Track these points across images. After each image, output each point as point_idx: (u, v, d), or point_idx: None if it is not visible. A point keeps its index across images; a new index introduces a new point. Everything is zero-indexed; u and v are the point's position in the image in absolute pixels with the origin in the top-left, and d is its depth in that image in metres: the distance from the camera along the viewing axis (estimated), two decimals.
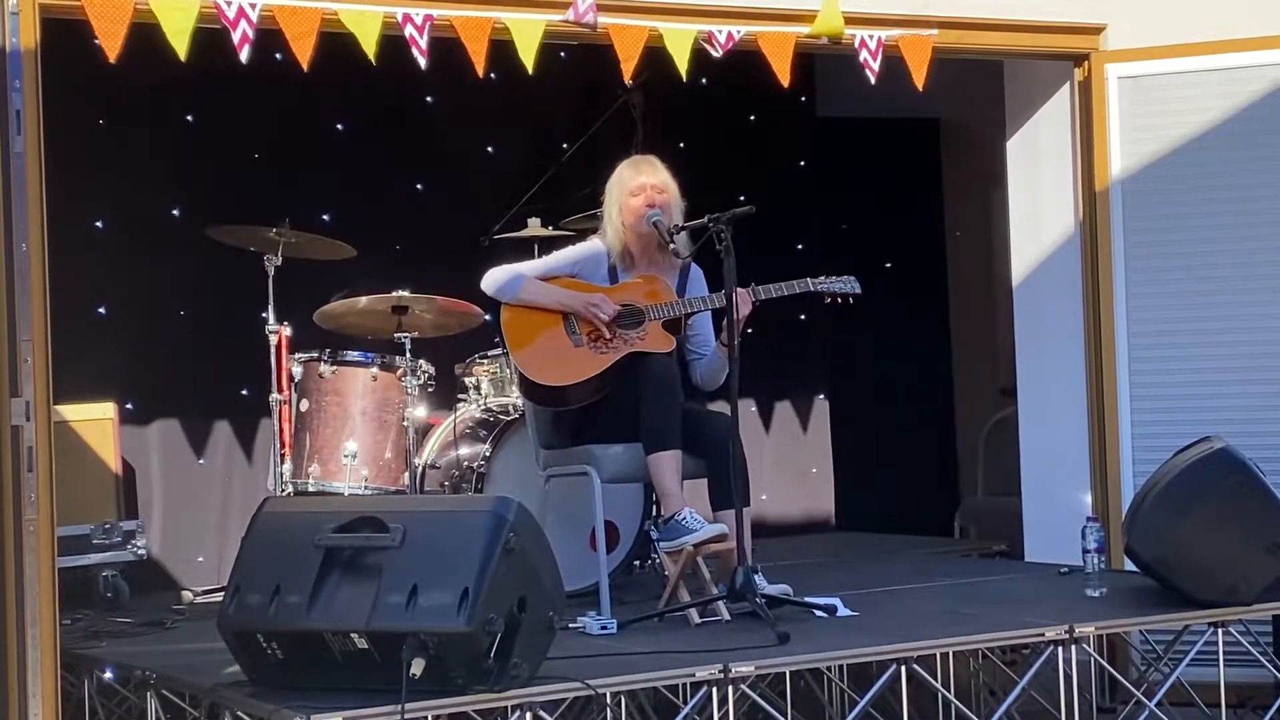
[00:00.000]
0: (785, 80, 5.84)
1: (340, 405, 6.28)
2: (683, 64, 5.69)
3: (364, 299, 6.35)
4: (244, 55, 5.14)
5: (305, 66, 5.20)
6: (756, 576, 5.07)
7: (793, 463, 8.45)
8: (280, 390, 6.35)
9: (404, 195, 7.58)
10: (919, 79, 5.98)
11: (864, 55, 5.92)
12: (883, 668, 4.68)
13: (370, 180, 7.37)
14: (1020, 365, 6.73)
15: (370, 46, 5.28)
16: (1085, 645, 4.92)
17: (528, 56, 5.48)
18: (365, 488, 6.22)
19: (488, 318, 6.32)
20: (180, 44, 5.05)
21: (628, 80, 5.78)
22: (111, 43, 4.97)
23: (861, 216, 8.67)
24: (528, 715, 4.12)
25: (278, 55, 5.38)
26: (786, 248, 8.30)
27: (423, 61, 5.37)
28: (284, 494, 6.21)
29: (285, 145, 7.24)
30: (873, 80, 5.94)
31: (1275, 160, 6.10)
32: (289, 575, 4.15)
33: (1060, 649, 4.85)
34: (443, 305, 6.38)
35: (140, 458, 7.04)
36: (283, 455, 6.30)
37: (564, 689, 4.21)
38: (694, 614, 5.15)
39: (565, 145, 7.60)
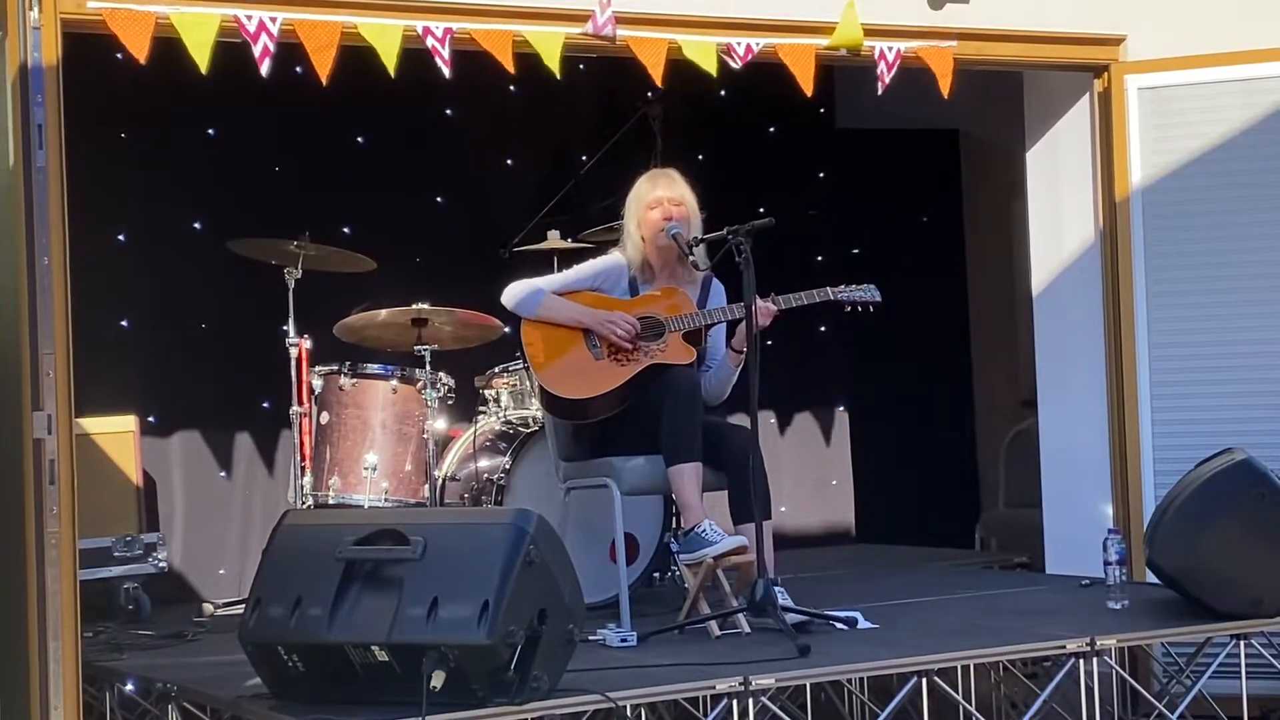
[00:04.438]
0: (809, 90, 5.84)
1: (360, 418, 6.29)
2: (710, 69, 5.69)
3: (384, 312, 6.36)
4: (265, 69, 5.15)
5: (324, 80, 5.22)
6: (779, 591, 5.07)
7: (812, 474, 8.45)
8: (301, 403, 6.36)
9: (423, 208, 7.60)
10: (944, 86, 5.97)
11: (880, 67, 5.91)
12: (904, 680, 4.68)
13: (390, 193, 7.39)
14: (1041, 376, 6.72)
15: (391, 60, 5.29)
16: (1107, 658, 4.90)
17: (552, 62, 5.48)
18: (385, 500, 6.23)
19: (507, 330, 6.32)
20: (201, 57, 5.06)
21: (660, 86, 5.78)
22: (139, 50, 4.99)
23: (881, 228, 8.65)
24: None
25: (298, 69, 5.40)
26: (806, 259, 8.30)
27: (447, 72, 5.37)
28: (304, 506, 6.22)
29: (305, 159, 7.27)
30: (880, 92, 5.94)
31: None
32: (310, 588, 4.15)
33: (1081, 661, 4.84)
34: (462, 318, 6.38)
35: (161, 470, 7.06)
36: (303, 468, 6.32)
37: (584, 701, 4.20)
38: (714, 626, 5.15)
39: (584, 158, 7.62)
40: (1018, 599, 5.97)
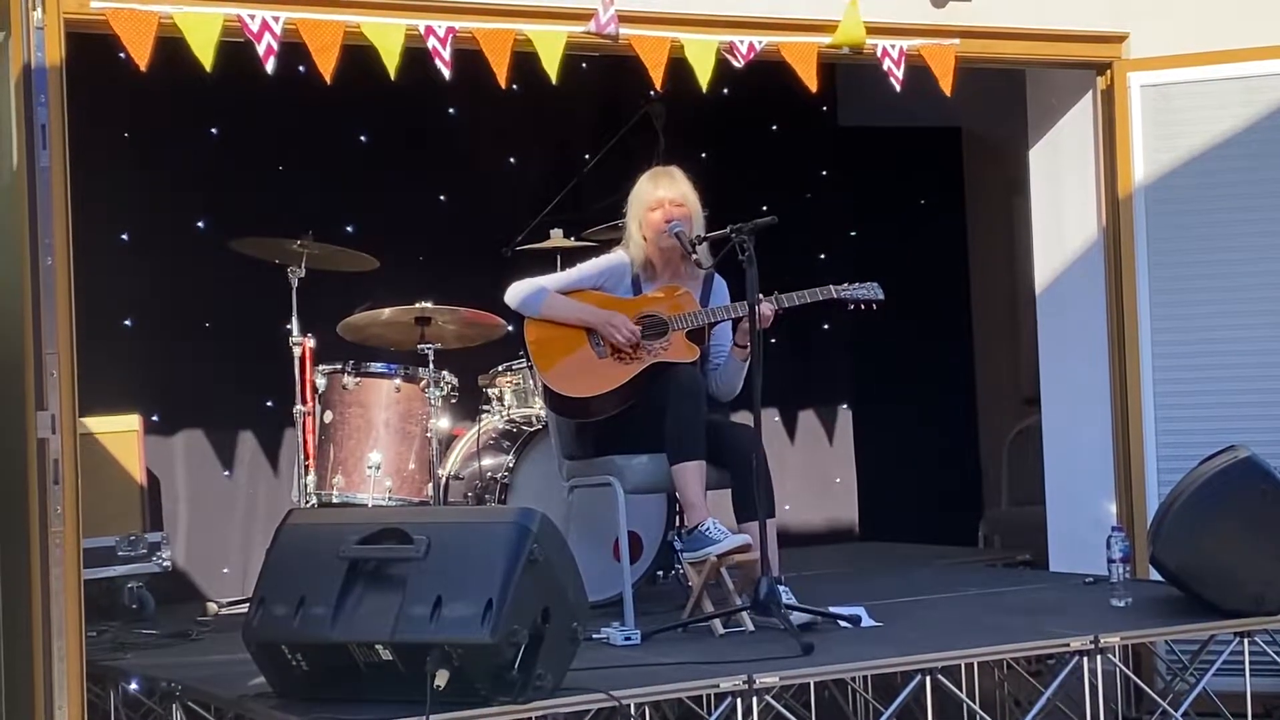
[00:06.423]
0: (813, 87, 5.84)
1: (364, 417, 6.29)
2: (704, 76, 5.69)
3: (387, 310, 6.36)
4: (269, 67, 5.15)
5: (328, 79, 5.22)
6: (782, 590, 5.07)
7: (816, 472, 8.45)
8: (304, 402, 6.36)
9: (427, 207, 7.60)
10: (945, 86, 5.97)
11: (887, 64, 5.91)
12: (907, 678, 4.68)
13: (393, 192, 7.39)
14: (1044, 374, 6.72)
15: (392, 59, 5.29)
16: (1110, 655, 4.91)
17: (551, 67, 5.49)
18: (389, 499, 6.23)
19: (510, 329, 6.33)
20: (205, 56, 5.07)
21: (659, 88, 5.79)
22: (140, 53, 5.00)
23: (884, 226, 8.66)
24: None
25: (300, 68, 5.40)
26: (809, 257, 8.30)
27: (447, 73, 5.38)
28: (308, 505, 6.22)
29: (308, 157, 7.26)
30: (898, 88, 5.93)
31: None
32: (313, 587, 4.16)
33: (1085, 659, 4.84)
34: (465, 316, 6.39)
35: (165, 469, 7.06)
36: (307, 467, 6.32)
37: (588, 700, 4.20)
38: (718, 625, 5.15)
39: (587, 156, 7.62)
40: (1021, 597, 5.97)
